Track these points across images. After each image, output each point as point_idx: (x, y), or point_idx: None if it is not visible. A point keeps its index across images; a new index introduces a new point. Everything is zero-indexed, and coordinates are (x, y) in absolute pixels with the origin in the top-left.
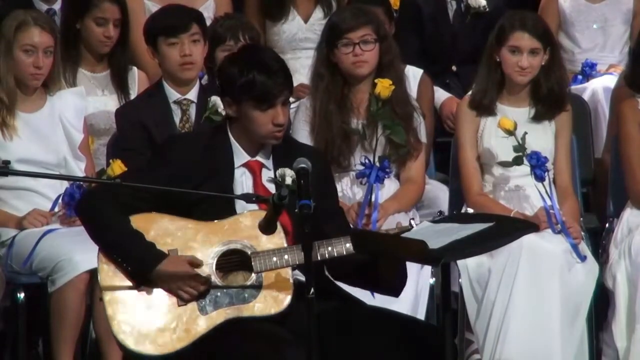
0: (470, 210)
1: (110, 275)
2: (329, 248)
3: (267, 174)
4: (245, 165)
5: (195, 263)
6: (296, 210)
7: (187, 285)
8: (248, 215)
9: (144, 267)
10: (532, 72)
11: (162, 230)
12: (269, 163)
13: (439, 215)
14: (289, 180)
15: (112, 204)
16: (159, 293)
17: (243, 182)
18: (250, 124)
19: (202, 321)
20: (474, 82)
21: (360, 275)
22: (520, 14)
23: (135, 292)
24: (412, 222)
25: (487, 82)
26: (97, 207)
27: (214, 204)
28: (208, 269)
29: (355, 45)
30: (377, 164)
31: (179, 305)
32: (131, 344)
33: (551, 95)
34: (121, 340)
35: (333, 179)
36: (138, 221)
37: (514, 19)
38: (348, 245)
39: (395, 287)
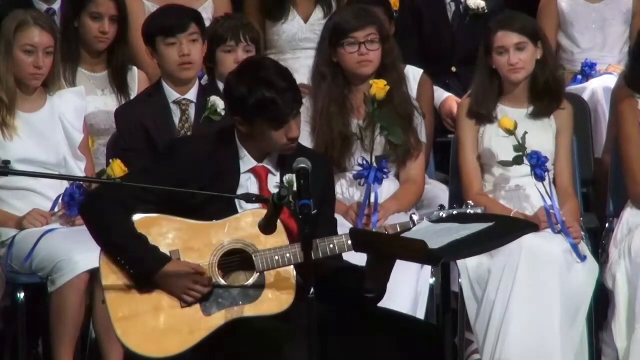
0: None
1: (113, 276)
2: (330, 245)
3: (273, 180)
4: (252, 170)
5: (199, 271)
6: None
7: (191, 288)
8: (249, 215)
9: (148, 270)
10: (525, 67)
11: (164, 231)
12: (275, 169)
13: (439, 209)
14: (295, 187)
15: (115, 205)
16: (162, 294)
17: (248, 187)
18: (265, 140)
19: (206, 322)
20: (473, 83)
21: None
22: (500, 16)
23: (138, 293)
24: (412, 217)
25: (483, 93)
26: (100, 209)
27: (216, 207)
28: (210, 269)
29: (361, 45)
30: (375, 165)
31: (183, 307)
32: (135, 346)
33: (548, 88)
34: (124, 342)
35: (334, 186)
36: (140, 222)
37: (495, 22)
38: (349, 242)
39: (374, 299)
